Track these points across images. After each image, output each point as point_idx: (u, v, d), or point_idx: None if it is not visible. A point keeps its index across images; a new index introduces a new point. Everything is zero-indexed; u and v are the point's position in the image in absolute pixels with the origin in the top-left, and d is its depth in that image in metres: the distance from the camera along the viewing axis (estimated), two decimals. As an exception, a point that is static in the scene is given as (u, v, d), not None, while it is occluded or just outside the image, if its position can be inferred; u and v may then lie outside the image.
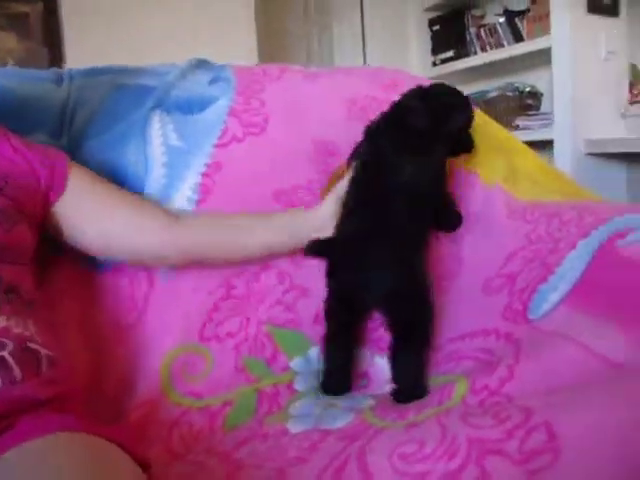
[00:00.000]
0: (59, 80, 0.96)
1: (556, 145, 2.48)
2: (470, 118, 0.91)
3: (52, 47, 2.56)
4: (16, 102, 0.87)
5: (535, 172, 1.15)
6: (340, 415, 0.70)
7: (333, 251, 0.79)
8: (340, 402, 0.74)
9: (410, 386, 0.74)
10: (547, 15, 2.48)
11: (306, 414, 0.72)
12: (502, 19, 2.80)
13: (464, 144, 0.93)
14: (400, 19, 3.13)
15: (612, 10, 2.48)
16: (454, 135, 0.89)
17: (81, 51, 2.47)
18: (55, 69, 1.04)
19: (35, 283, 0.70)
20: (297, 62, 3.29)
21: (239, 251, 0.85)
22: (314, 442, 0.64)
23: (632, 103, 2.55)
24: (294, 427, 0.69)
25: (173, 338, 0.81)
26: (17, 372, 0.57)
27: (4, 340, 0.58)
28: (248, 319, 0.83)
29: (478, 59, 2.85)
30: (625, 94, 2.56)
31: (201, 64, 1.09)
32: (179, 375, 0.79)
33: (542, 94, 2.76)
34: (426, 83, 1.20)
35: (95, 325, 0.80)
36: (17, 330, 0.60)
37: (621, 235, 0.74)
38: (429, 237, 0.85)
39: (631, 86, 2.60)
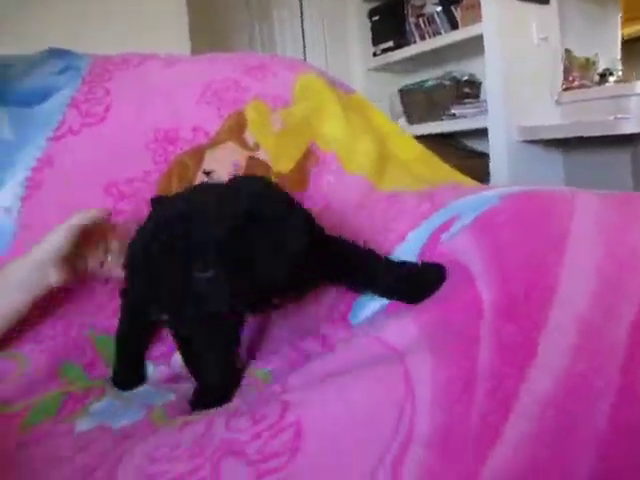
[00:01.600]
0: None
1: (490, 133, 2.46)
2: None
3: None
4: None
5: (412, 161, 1.11)
6: (129, 413, 0.66)
7: None
8: (137, 398, 0.70)
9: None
10: (479, 3, 2.46)
11: (101, 411, 0.68)
12: (439, 8, 2.77)
13: None
14: (340, 10, 3.09)
15: (542, -3, 2.46)
16: None
17: (16, 37, 2.39)
18: None
19: None
20: (239, 52, 3.25)
21: None
22: (88, 441, 0.60)
23: (566, 89, 2.53)
24: (80, 425, 0.65)
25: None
26: None
27: None
28: (70, 323, 0.78)
29: (417, 48, 2.82)
30: (559, 81, 2.54)
31: (55, 54, 1.04)
32: None
33: (480, 82, 2.74)
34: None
35: None
36: None
37: (446, 226, 0.71)
38: None
39: (566, 72, 2.58)
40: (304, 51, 3.04)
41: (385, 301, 0.69)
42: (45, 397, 0.72)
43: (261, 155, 0.94)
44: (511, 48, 2.40)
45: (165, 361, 0.81)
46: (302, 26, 3.03)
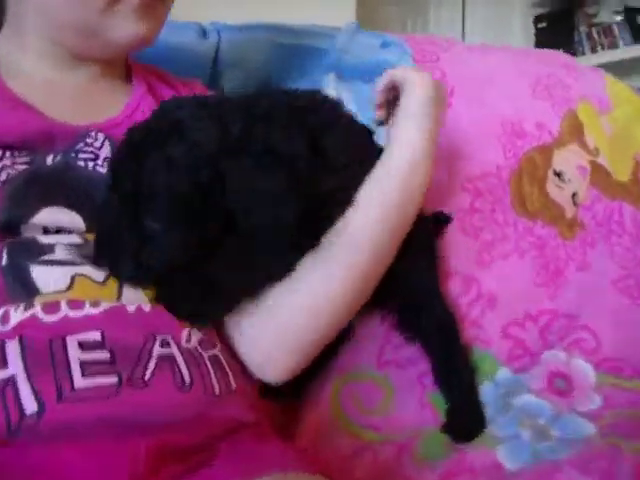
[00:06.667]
0: (202, 33, 0.88)
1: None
2: None
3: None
4: (164, 52, 0.76)
5: None
6: (558, 447, 0.58)
7: None
8: (551, 428, 0.62)
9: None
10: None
11: (513, 436, 0.61)
12: (620, 17, 2.61)
13: None
14: (504, 14, 2.96)
15: None
16: None
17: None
18: (194, 22, 0.95)
19: None
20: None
21: None
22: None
23: None
24: (507, 460, 0.58)
25: (346, 361, 0.67)
26: (231, 379, 0.50)
27: (213, 340, 0.52)
28: None
29: (588, 60, 2.67)
30: None
31: (360, 29, 0.99)
32: (351, 405, 0.66)
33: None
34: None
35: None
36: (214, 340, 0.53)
37: None
38: None
39: None
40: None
41: None
42: (424, 430, 0.64)
43: (601, 161, 0.85)
44: None
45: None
46: (463, 30, 2.92)
